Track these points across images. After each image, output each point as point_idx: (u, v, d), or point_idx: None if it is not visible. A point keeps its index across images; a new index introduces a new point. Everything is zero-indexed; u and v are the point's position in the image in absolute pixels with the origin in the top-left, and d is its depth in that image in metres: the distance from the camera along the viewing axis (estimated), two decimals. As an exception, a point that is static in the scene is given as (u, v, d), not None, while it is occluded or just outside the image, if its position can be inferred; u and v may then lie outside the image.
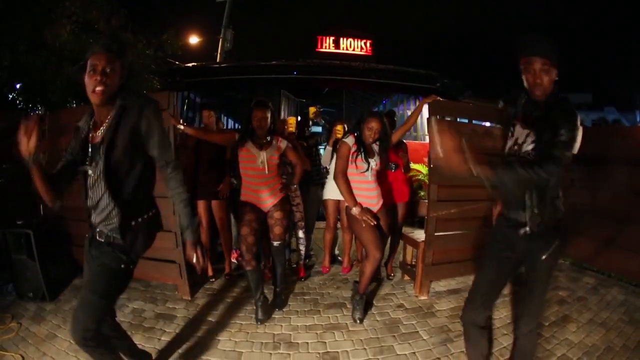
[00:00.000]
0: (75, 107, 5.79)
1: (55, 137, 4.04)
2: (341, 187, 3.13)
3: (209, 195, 4.04)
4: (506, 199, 2.11)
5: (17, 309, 3.46)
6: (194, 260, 1.98)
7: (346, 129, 4.38)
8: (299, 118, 6.19)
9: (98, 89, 1.73)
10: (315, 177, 4.62)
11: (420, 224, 6.38)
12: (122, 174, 1.84)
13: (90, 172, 1.85)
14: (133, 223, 1.91)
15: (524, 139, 1.96)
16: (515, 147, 1.99)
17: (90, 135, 1.87)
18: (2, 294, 3.68)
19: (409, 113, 13.59)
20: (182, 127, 3.34)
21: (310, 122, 5.54)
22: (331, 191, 4.23)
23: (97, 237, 1.92)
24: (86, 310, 1.90)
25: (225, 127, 12.92)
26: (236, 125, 16.71)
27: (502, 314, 3.42)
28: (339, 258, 4.77)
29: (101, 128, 1.84)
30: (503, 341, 3.00)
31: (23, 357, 2.78)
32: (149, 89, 6.60)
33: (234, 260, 4.46)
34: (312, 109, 5.35)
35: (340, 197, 3.33)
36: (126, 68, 1.86)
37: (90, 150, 1.85)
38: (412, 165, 6.12)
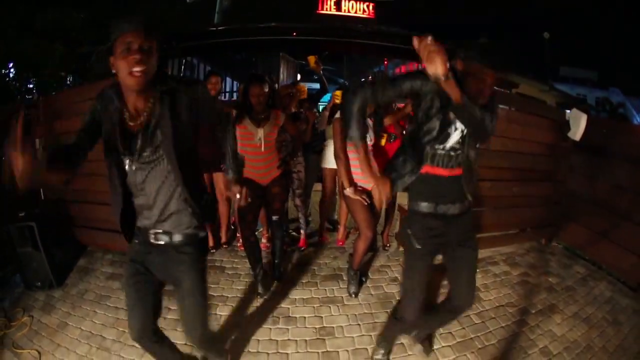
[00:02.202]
0: (70, 88, 5.73)
1: (50, 121, 4.00)
2: (340, 165, 3.15)
3: (210, 168, 4.05)
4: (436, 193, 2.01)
5: (27, 300, 3.47)
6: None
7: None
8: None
9: (137, 69, 1.47)
10: (313, 144, 4.59)
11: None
12: (185, 163, 1.67)
13: (132, 164, 1.65)
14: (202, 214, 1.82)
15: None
16: (460, 140, 1.91)
17: (126, 122, 1.63)
18: (10, 286, 3.67)
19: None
20: None
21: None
22: (330, 159, 4.20)
23: (160, 242, 1.79)
24: (200, 318, 1.96)
25: (224, 89, 12.73)
26: (234, 84, 16.36)
27: (491, 296, 3.50)
28: (338, 226, 4.80)
29: (142, 115, 1.62)
30: (490, 325, 3.09)
31: (39, 352, 2.82)
32: None
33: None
34: (311, 58, 5.13)
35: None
36: (160, 54, 1.58)
37: (130, 138, 1.63)
38: None
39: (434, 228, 2.02)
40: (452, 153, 1.91)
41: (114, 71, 1.54)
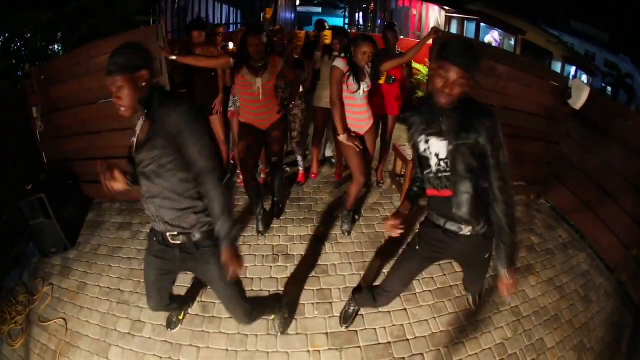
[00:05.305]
0: (61, 55, 5.53)
1: (46, 89, 3.90)
2: (335, 112, 3.13)
3: (206, 111, 4.02)
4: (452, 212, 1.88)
5: (45, 268, 3.42)
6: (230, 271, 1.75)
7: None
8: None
9: (121, 110, 1.69)
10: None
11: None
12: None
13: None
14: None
15: (445, 153, 1.78)
16: (441, 165, 1.81)
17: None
18: (26, 257, 3.58)
19: (415, 12, 12.78)
20: (174, 57, 3.23)
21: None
22: (320, 99, 4.20)
23: (177, 242, 1.86)
24: (235, 301, 2.11)
25: (220, 22, 12.17)
26: (231, 10, 15.54)
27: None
28: (333, 160, 4.89)
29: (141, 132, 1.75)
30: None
31: (65, 319, 2.87)
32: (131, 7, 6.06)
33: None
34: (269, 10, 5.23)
35: (329, 106, 3.31)
36: (146, 73, 1.69)
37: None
38: (413, 64, 6.04)
39: (440, 241, 1.99)
40: (440, 175, 1.83)
41: None
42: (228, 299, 2.09)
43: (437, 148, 1.78)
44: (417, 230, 2.11)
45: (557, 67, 11.18)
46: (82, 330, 2.77)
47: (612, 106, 4.40)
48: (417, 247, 2.07)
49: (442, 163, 1.79)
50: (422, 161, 1.86)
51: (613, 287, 3.41)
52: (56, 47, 6.05)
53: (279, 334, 2.65)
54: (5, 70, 5.25)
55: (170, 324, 2.70)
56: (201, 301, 2.91)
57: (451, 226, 1.90)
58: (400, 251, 2.33)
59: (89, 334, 2.74)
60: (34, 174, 3.73)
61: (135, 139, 1.75)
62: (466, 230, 1.88)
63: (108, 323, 2.80)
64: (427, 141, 1.80)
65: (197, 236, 1.83)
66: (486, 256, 2.08)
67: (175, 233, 1.82)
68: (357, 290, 2.76)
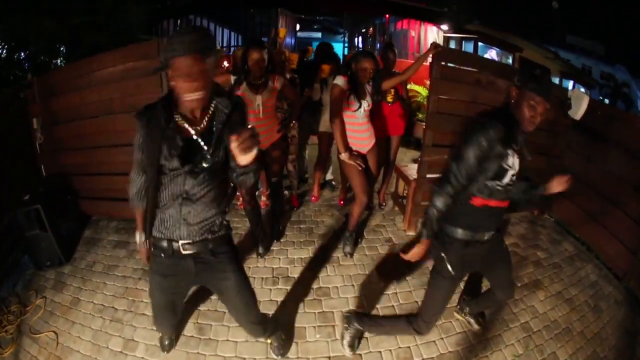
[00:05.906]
0: (64, 66, 5.51)
1: (47, 100, 3.87)
2: (336, 130, 3.05)
3: None
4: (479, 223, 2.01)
5: (39, 281, 3.34)
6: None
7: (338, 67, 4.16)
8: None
9: (198, 94, 1.46)
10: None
11: (416, 144, 6.45)
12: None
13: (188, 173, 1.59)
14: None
15: (517, 168, 1.91)
16: (512, 178, 1.92)
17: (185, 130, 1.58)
18: (20, 269, 3.50)
19: (413, 34, 12.90)
20: None
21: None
22: (325, 123, 4.15)
23: (192, 251, 1.73)
24: (252, 311, 2.03)
25: (221, 46, 12.29)
26: (232, 35, 15.80)
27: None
28: (333, 183, 4.84)
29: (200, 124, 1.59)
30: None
31: (56, 333, 2.77)
32: (134, 25, 6.10)
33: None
34: (282, 31, 5.24)
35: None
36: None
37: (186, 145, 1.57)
38: (412, 86, 6.02)
39: (471, 256, 2.04)
40: (507, 188, 1.91)
41: (172, 83, 1.48)
42: (241, 309, 1.99)
43: (515, 163, 1.88)
44: (443, 256, 2.04)
45: (554, 82, 11.21)
46: (74, 346, 2.67)
47: (610, 111, 4.39)
48: (453, 273, 2.03)
49: (513, 177, 1.89)
50: (500, 172, 1.87)
51: (622, 294, 3.37)
52: (59, 61, 6.08)
53: (279, 357, 2.53)
54: (9, 81, 5.24)
55: (164, 346, 2.58)
56: (197, 323, 2.79)
57: (482, 236, 2.00)
58: (428, 279, 2.25)
59: (80, 350, 2.64)
60: (32, 184, 3.67)
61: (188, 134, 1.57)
62: (489, 235, 2.02)
63: (100, 340, 2.69)
64: (512, 155, 1.86)
65: (213, 243, 1.76)
66: (504, 246, 2.25)
67: (190, 241, 1.70)
68: (360, 316, 2.63)
